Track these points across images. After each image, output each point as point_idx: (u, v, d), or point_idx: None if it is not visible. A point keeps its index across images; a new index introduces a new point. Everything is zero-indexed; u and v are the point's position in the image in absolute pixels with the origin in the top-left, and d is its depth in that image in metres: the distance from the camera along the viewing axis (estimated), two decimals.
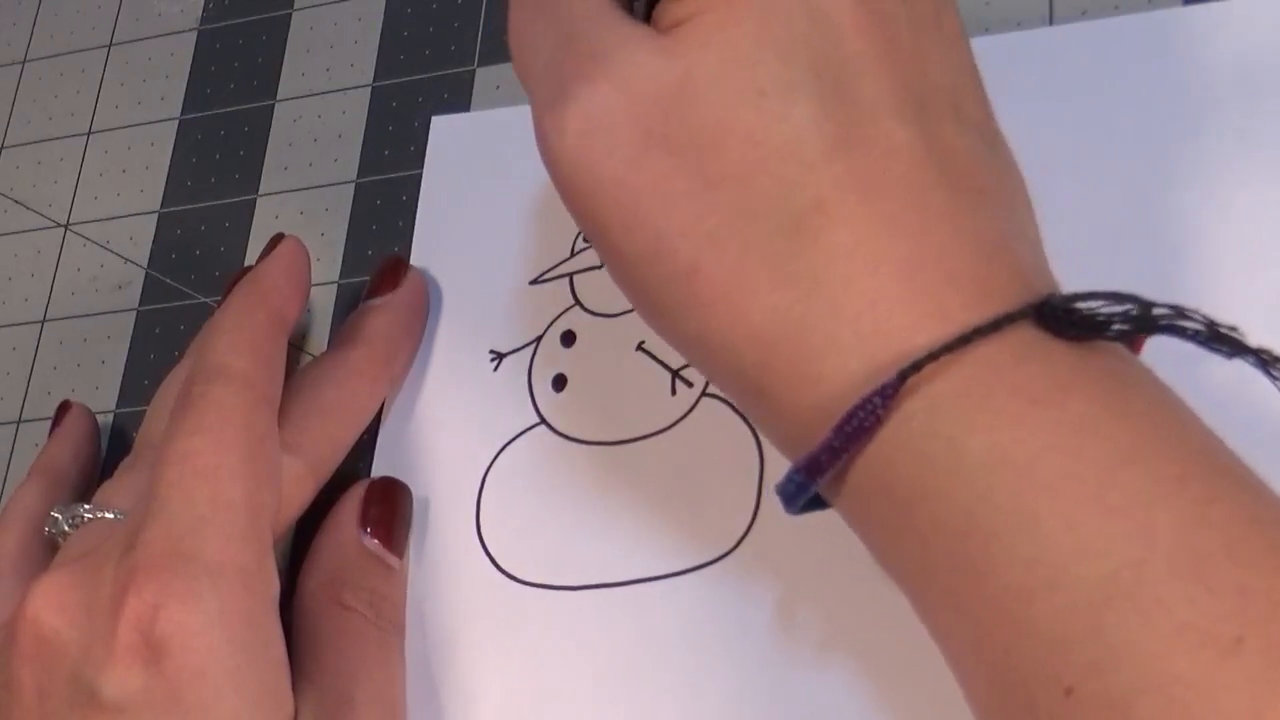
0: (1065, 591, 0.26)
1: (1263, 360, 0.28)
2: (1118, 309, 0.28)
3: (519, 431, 0.42)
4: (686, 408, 0.40)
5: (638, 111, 0.30)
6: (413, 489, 0.42)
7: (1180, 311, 0.28)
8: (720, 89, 0.30)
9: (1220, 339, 0.28)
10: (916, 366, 0.28)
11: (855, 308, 0.29)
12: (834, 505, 0.31)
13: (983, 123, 0.31)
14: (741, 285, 0.30)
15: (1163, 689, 0.24)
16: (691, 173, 0.30)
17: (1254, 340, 0.28)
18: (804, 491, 0.30)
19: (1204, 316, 0.28)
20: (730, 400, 0.32)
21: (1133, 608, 0.25)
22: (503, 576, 0.40)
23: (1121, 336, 0.28)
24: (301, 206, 0.49)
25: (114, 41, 0.55)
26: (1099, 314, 0.28)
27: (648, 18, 0.32)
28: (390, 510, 0.41)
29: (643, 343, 0.41)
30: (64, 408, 0.47)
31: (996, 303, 0.28)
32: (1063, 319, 0.28)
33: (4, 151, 0.55)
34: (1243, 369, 0.28)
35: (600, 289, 0.43)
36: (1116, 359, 0.28)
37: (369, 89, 0.49)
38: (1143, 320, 0.28)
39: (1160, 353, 0.30)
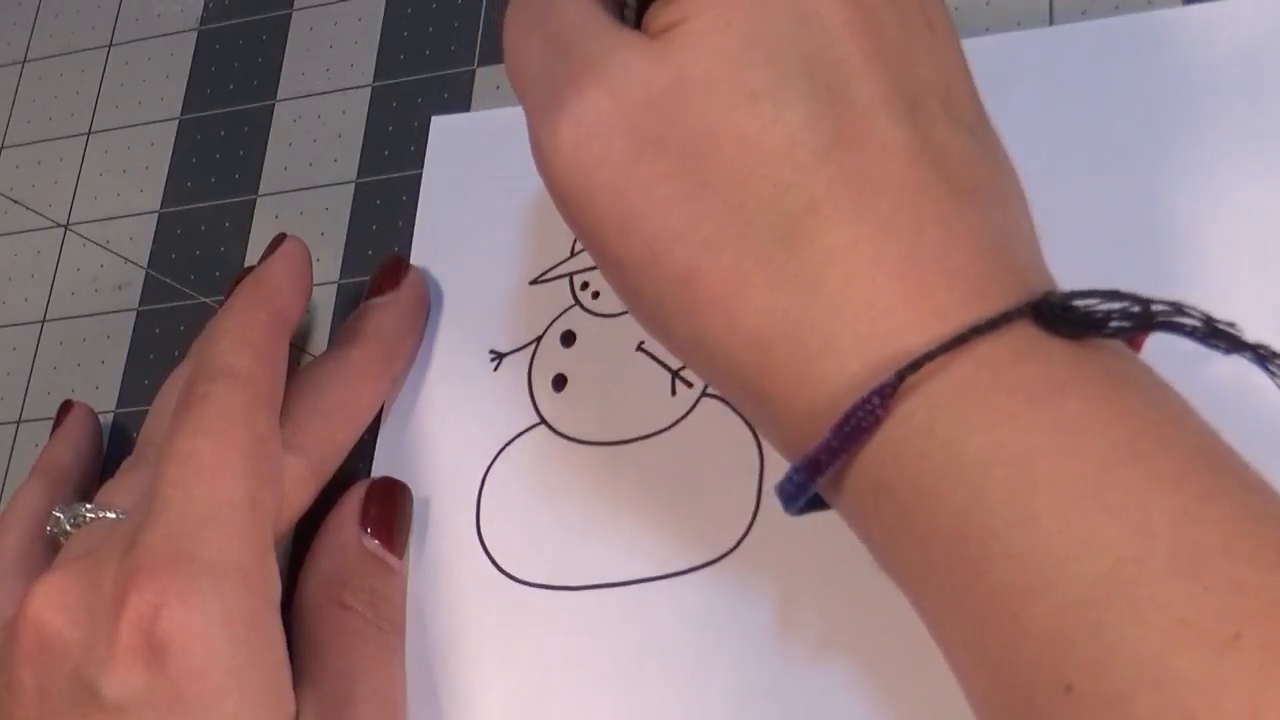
0: (1063, 590, 0.26)
1: (1260, 356, 0.28)
2: (1115, 306, 0.28)
3: (519, 431, 0.42)
4: (686, 408, 0.40)
5: (630, 117, 0.30)
6: (413, 489, 0.42)
7: (1178, 308, 0.28)
8: (711, 92, 0.30)
9: (1218, 335, 0.28)
10: (914, 366, 0.28)
11: (852, 308, 0.29)
12: (834, 506, 0.31)
13: (975, 121, 0.32)
14: (738, 288, 0.30)
15: (1161, 686, 0.24)
16: (686, 177, 0.30)
17: (1256, 340, 0.28)
18: (803, 492, 0.30)
19: (1201, 313, 0.28)
20: (730, 403, 0.32)
21: (1131, 605, 0.25)
22: (503, 576, 0.40)
23: (1119, 333, 0.28)
24: (301, 206, 0.49)
25: (114, 41, 0.55)
26: (1096, 311, 0.28)
27: (638, 24, 0.32)
28: (390, 510, 0.41)
29: (643, 343, 0.41)
30: (66, 407, 0.47)
31: (993, 301, 0.28)
32: (1060, 317, 0.28)
33: (4, 151, 0.55)
34: (1245, 366, 0.28)
35: (600, 289, 0.43)
36: (1115, 357, 0.29)
37: (369, 89, 0.49)
38: (1140, 317, 0.28)
39: (1161, 351, 0.30)
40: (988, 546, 0.27)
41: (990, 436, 0.27)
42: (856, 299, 0.29)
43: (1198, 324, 0.28)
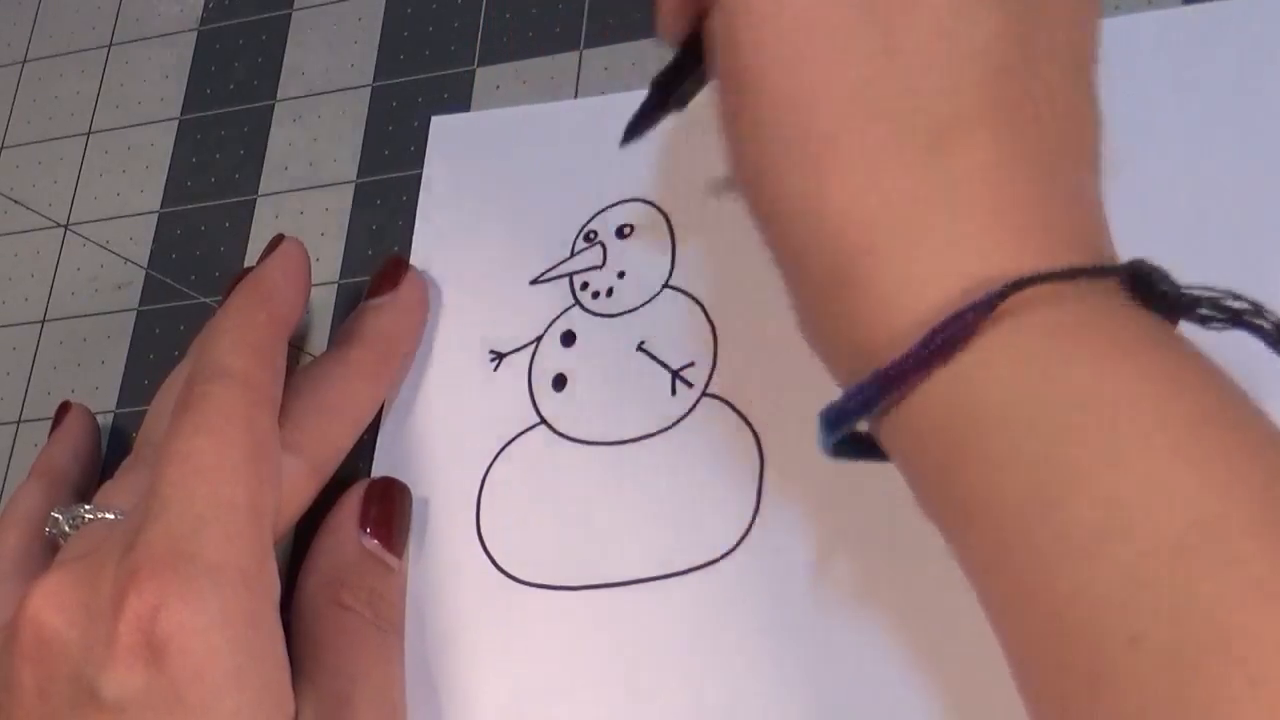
0: (1141, 537, 0.26)
1: None
2: (1204, 293, 0.28)
3: (519, 431, 0.42)
4: (686, 408, 0.40)
5: None
6: (413, 489, 0.42)
7: (1259, 309, 0.28)
8: None
9: None
10: (1018, 285, 0.28)
11: (975, 224, 0.29)
12: (880, 431, 0.30)
13: (1096, 88, 0.32)
14: (877, 164, 0.30)
15: (1229, 644, 0.24)
16: (876, 37, 0.30)
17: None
18: (865, 409, 0.29)
19: (1277, 316, 0.28)
20: (791, 292, 0.31)
21: (1207, 560, 0.25)
22: (503, 576, 0.40)
23: (1205, 321, 0.28)
24: (301, 206, 0.49)
25: (114, 41, 0.55)
26: (1188, 293, 0.28)
27: None
28: (390, 510, 0.41)
29: (643, 343, 0.41)
30: (64, 408, 0.47)
31: (1099, 259, 0.29)
32: (1155, 286, 0.28)
33: (4, 151, 0.55)
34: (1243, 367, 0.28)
35: (600, 289, 0.43)
36: (1181, 337, 0.29)
37: (369, 89, 0.49)
38: (1226, 310, 0.28)
39: None
40: (1070, 483, 0.27)
41: (1088, 372, 0.27)
42: (981, 217, 0.29)
43: (1270, 327, 0.28)
